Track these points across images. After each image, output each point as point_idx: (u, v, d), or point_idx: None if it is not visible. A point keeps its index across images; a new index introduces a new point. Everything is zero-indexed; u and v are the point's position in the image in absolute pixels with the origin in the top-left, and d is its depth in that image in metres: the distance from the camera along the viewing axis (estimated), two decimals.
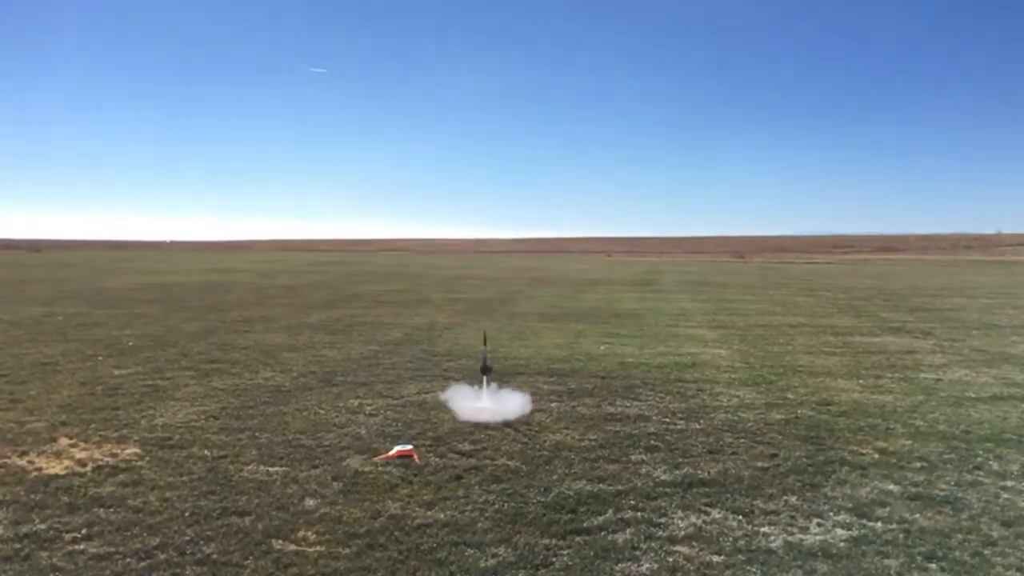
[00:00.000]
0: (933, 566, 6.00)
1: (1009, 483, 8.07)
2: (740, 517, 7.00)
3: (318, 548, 6.17)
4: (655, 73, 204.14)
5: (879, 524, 6.87)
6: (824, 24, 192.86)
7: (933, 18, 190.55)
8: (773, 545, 6.37)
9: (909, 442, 9.64)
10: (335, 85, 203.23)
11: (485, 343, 11.45)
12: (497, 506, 7.17)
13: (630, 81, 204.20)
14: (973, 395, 12.75)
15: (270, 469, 8.20)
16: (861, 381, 13.90)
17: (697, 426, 10.37)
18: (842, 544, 6.39)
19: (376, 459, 8.55)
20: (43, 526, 6.57)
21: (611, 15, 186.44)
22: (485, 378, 11.02)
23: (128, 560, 5.89)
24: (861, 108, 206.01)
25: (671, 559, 6.07)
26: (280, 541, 6.31)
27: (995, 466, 8.67)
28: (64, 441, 9.18)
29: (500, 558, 6.04)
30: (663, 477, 8.11)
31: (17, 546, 6.11)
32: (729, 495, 7.57)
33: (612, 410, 11.30)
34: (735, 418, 10.85)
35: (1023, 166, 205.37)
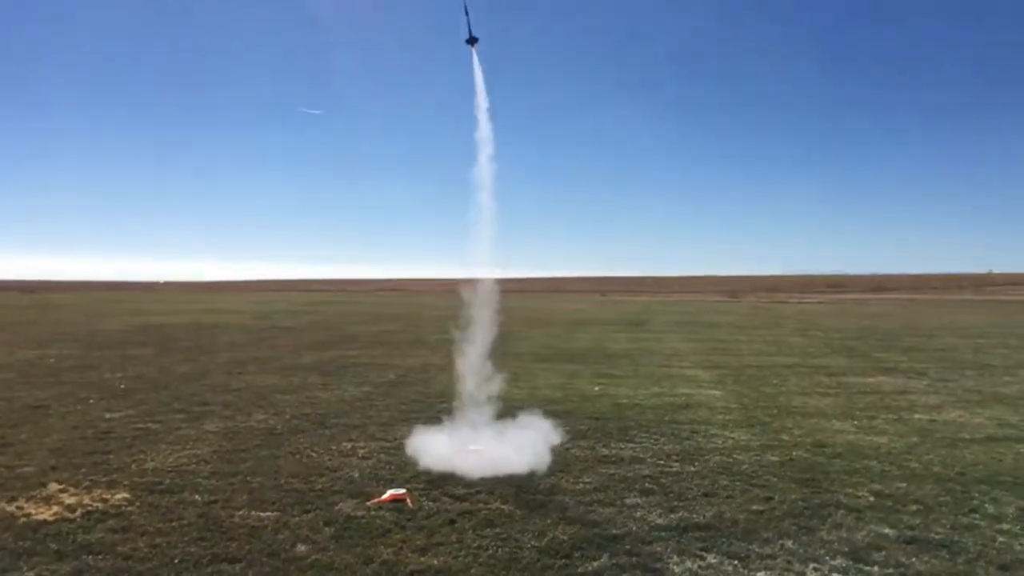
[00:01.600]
0: None
1: (1005, 526, 8.04)
2: (736, 562, 6.95)
3: None
4: (646, 112, 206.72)
5: (875, 568, 6.83)
6: (816, 65, 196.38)
7: (925, 60, 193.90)
8: None
9: (904, 484, 9.61)
10: (330, 126, 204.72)
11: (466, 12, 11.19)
12: (491, 551, 7.12)
13: (621, 119, 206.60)
14: (967, 436, 12.74)
15: (261, 514, 8.13)
16: (855, 422, 13.89)
17: (692, 468, 10.33)
18: None
19: (369, 503, 8.49)
20: (31, 574, 6.48)
21: (607, 53, 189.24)
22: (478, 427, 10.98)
23: None
24: (853, 148, 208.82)
25: None
26: None
27: (991, 509, 8.64)
28: (54, 486, 9.09)
29: None
30: (658, 521, 8.06)
31: None
32: (725, 539, 7.52)
33: (607, 452, 11.26)
34: (730, 460, 10.82)
35: (1013, 206, 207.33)
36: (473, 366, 11.55)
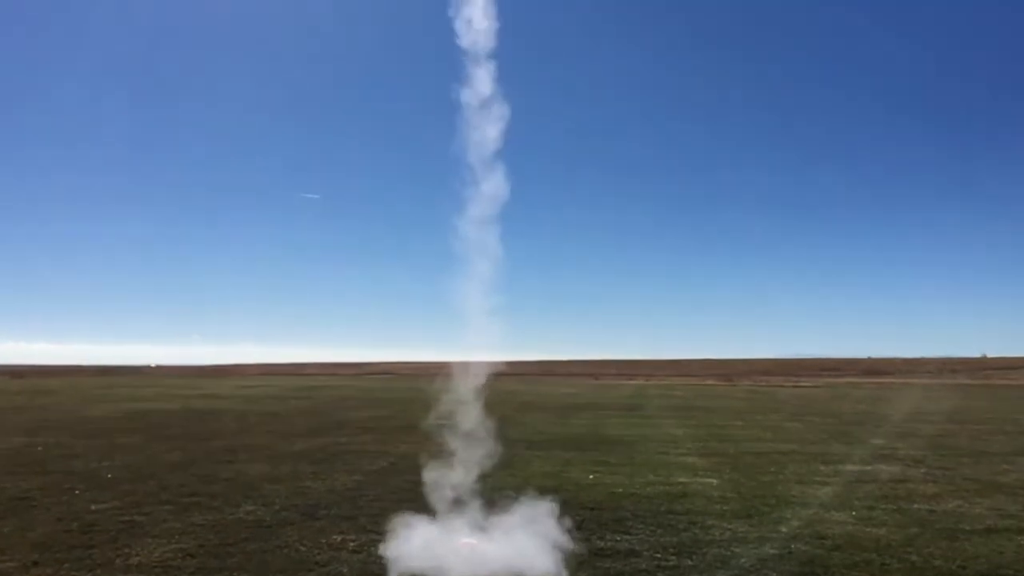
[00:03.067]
0: None
1: None
2: None
3: None
4: (636, 196, 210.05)
5: None
6: (804, 148, 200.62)
7: (915, 146, 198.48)
8: None
9: None
10: (329, 210, 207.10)
11: None
12: None
13: (611, 203, 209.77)
14: (967, 527, 12.55)
15: None
16: (854, 512, 13.70)
17: (689, 562, 10.13)
18: None
19: None
20: None
21: (593, 142, 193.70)
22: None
23: None
24: (843, 232, 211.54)
25: None
26: None
27: None
28: None
29: None
30: None
31: None
32: None
33: (602, 545, 11.06)
34: (728, 553, 10.62)
35: (1006, 289, 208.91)
36: (465, 454, 11.45)
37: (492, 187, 11.74)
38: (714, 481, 17.06)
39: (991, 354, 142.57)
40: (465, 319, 11.74)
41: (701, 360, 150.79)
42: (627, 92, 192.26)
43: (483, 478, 11.47)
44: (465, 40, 12.13)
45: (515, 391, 58.41)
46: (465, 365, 12.11)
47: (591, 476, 17.56)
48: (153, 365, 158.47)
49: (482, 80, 12.13)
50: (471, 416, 11.67)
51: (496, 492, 14.93)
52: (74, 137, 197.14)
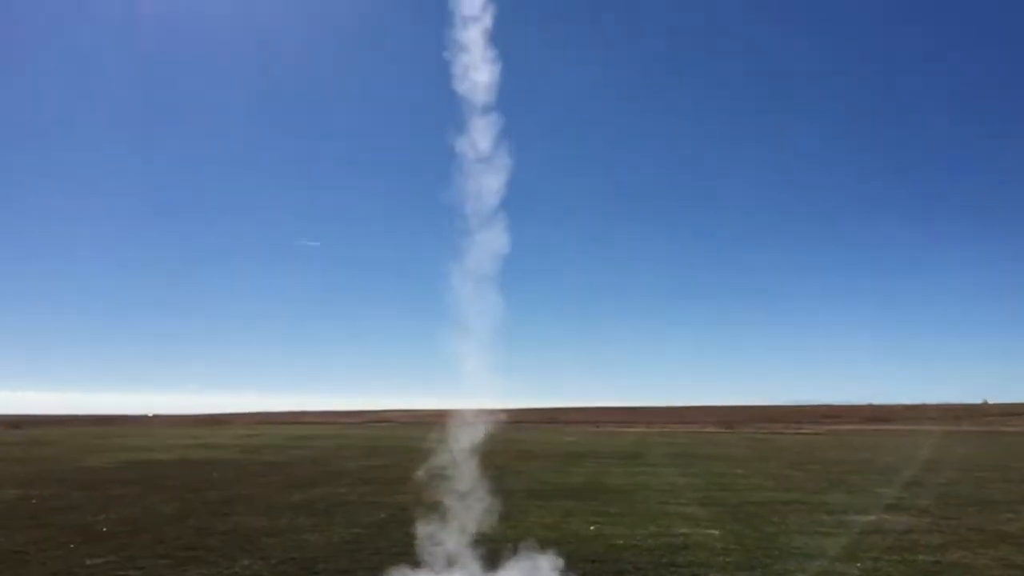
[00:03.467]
0: None
1: None
2: None
3: None
4: (633, 240, 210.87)
5: None
6: (806, 195, 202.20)
7: (916, 196, 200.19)
8: None
9: None
10: (329, 257, 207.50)
11: None
12: None
13: (612, 249, 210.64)
14: None
15: None
16: (859, 564, 13.54)
17: None
18: None
19: None
20: None
21: (596, 184, 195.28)
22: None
23: None
24: (844, 277, 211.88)
25: None
26: None
27: None
28: None
29: None
30: None
31: None
32: None
33: None
34: None
35: (1007, 335, 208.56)
36: (464, 505, 11.37)
37: (491, 240, 11.84)
38: (716, 532, 16.88)
39: (993, 400, 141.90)
40: (463, 371, 11.77)
41: (702, 407, 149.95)
42: (627, 135, 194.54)
43: (482, 530, 11.36)
44: (463, 87, 12.30)
45: (515, 439, 57.95)
46: (464, 413, 12.09)
47: (592, 527, 17.38)
48: (151, 414, 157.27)
49: (482, 132, 12.29)
50: (470, 466, 11.61)
51: (496, 544, 14.78)
52: (71, 187, 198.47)
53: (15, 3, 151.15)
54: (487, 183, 12.26)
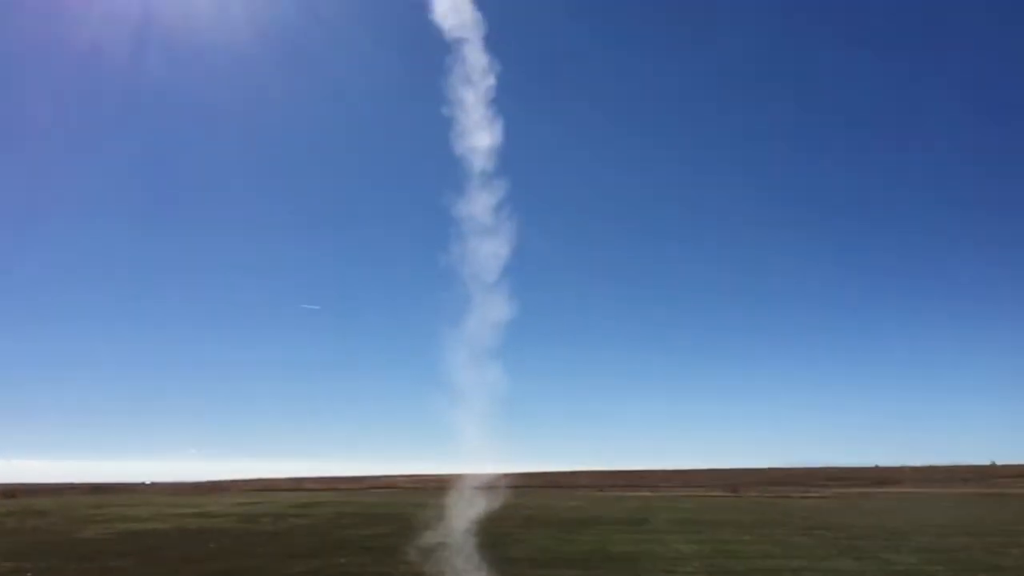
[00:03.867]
0: None
1: None
2: None
3: None
4: (636, 305, 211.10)
5: None
6: (811, 257, 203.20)
7: (923, 258, 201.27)
8: None
9: None
10: (329, 322, 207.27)
11: None
12: None
13: (615, 312, 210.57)
14: None
15: None
16: None
17: None
18: None
19: None
20: None
21: (595, 253, 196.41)
22: None
23: None
24: (851, 340, 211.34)
25: None
26: None
27: None
28: None
29: None
30: None
31: None
32: None
33: None
34: None
35: (1014, 396, 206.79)
36: None
37: (491, 308, 11.95)
38: None
39: (1001, 461, 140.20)
40: (464, 437, 11.76)
41: (707, 470, 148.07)
42: (631, 201, 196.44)
43: None
44: (464, 150, 12.47)
45: (518, 504, 57.10)
46: (466, 478, 12.03)
47: None
48: (148, 481, 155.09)
49: (483, 199, 12.45)
50: (472, 534, 11.52)
51: None
52: (69, 255, 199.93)
53: (18, 74, 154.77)
54: (488, 250, 12.40)
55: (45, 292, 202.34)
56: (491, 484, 11.90)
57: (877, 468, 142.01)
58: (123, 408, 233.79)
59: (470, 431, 11.76)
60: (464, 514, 11.56)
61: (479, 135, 12.76)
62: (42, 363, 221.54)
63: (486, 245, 12.56)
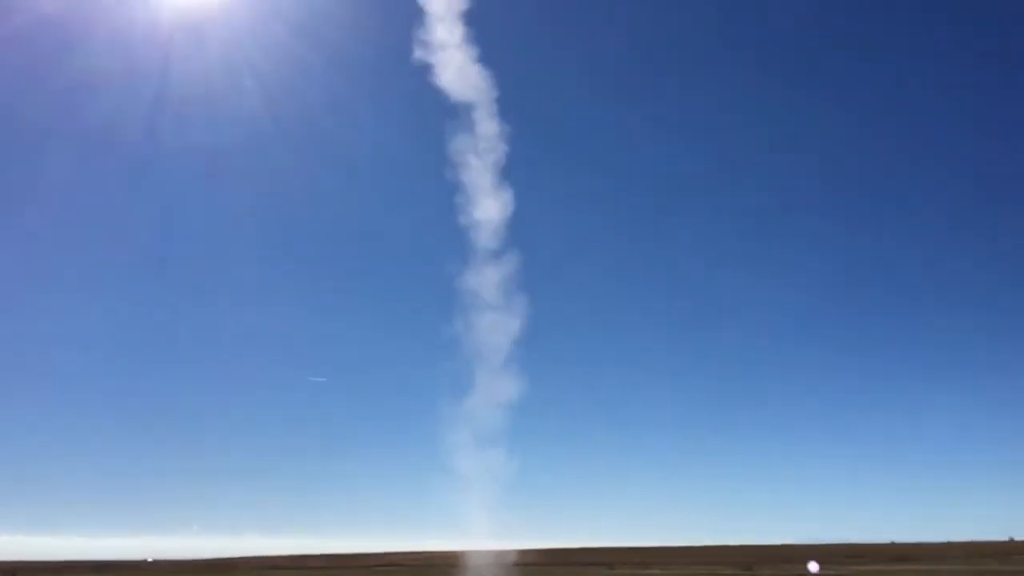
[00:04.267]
0: None
1: None
2: None
3: None
4: (644, 377, 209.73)
5: None
6: (821, 334, 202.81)
7: (936, 327, 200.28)
8: None
9: None
10: (335, 394, 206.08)
11: None
12: None
13: (620, 382, 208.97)
14: None
15: None
16: None
17: None
18: None
19: None
20: None
21: (603, 315, 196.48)
22: None
23: None
24: (868, 414, 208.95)
25: None
26: None
27: None
28: None
29: None
30: None
31: None
32: None
33: None
34: None
35: None
36: None
37: (497, 386, 12.43)
38: None
39: (1019, 537, 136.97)
40: (470, 514, 12.06)
41: (720, 547, 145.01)
42: (626, 268, 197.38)
43: None
44: (471, 224, 13.11)
45: None
46: (472, 555, 12.27)
47: None
48: (150, 559, 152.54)
49: (489, 275, 13.06)
50: None
51: None
52: (72, 332, 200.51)
53: (21, 148, 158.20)
54: (495, 326, 12.96)
55: (47, 361, 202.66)
56: (498, 561, 12.13)
57: (893, 545, 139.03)
58: (124, 483, 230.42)
59: (475, 508, 12.10)
60: None
61: (488, 206, 13.45)
62: (43, 437, 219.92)
63: (494, 323, 13.17)
